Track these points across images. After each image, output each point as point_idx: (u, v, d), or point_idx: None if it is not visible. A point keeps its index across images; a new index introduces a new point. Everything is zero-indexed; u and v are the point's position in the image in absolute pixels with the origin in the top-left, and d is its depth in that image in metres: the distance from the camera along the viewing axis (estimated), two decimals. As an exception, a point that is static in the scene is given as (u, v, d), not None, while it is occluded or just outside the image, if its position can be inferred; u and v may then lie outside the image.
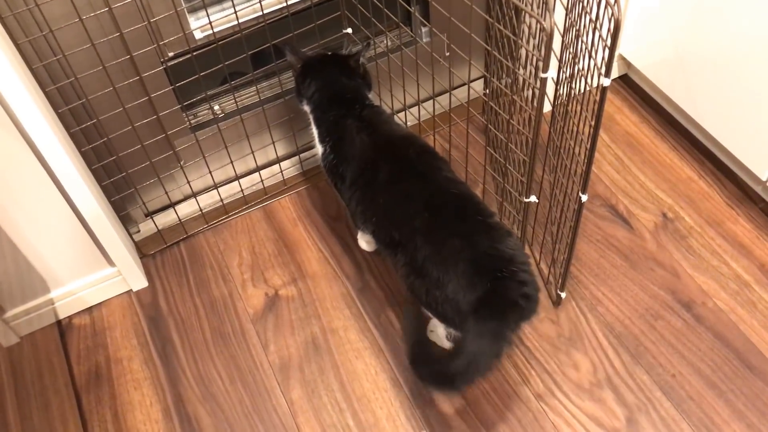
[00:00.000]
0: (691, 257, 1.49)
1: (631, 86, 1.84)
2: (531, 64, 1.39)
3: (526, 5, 1.34)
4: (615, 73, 1.85)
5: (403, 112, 1.69)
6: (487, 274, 1.13)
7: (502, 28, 1.17)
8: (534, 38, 1.39)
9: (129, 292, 1.56)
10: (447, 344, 1.36)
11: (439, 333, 1.37)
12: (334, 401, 1.35)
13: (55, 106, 1.30)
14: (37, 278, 1.43)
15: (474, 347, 1.11)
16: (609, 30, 0.94)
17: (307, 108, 1.43)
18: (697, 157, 1.67)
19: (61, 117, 1.32)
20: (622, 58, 1.80)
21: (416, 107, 1.67)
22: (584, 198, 1.17)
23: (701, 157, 1.67)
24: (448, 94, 1.40)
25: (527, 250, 1.45)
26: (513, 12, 1.35)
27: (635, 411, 1.29)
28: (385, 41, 1.62)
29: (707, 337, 1.37)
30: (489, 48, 1.21)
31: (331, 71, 1.40)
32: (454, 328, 1.23)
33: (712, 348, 1.36)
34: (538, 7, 1.29)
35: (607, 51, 0.97)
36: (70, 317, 1.53)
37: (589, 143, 1.09)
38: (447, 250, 1.16)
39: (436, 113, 1.63)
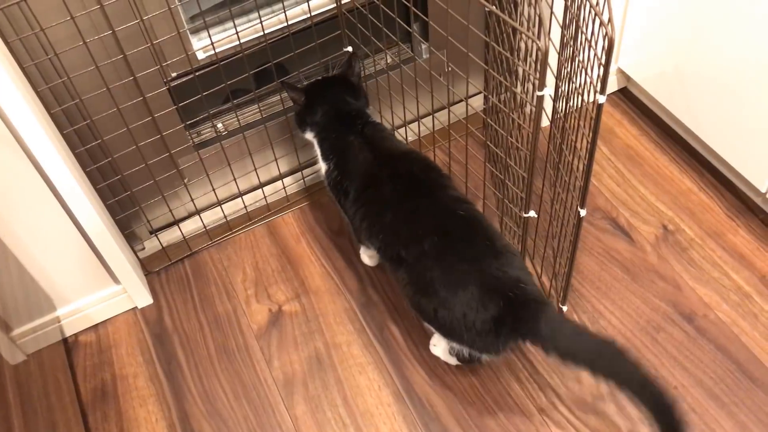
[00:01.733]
0: (692, 269, 1.50)
1: (631, 99, 1.85)
2: (528, 81, 1.41)
3: (522, 24, 1.36)
4: (614, 86, 1.87)
5: (404, 128, 1.70)
6: (497, 296, 1.14)
7: (499, 47, 1.18)
8: (530, 56, 1.40)
9: (134, 309, 1.57)
10: (451, 359, 1.37)
11: (442, 347, 1.37)
12: (338, 417, 1.35)
13: (60, 127, 1.32)
14: (43, 296, 1.45)
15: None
16: (603, 48, 0.95)
17: (311, 134, 1.45)
18: (697, 169, 1.68)
19: (66, 137, 1.34)
20: (621, 72, 1.82)
21: (416, 123, 1.69)
22: (583, 213, 1.18)
23: (701, 169, 1.68)
24: (446, 110, 1.41)
25: (528, 264, 1.46)
26: (510, 30, 1.37)
27: (638, 423, 1.29)
28: (384, 59, 1.64)
29: (709, 349, 1.37)
30: (486, 67, 1.22)
31: (334, 92, 1.44)
32: (459, 344, 1.23)
33: (714, 360, 1.36)
34: (534, 26, 1.31)
35: (601, 69, 0.98)
36: (76, 335, 1.54)
37: (586, 159, 1.10)
38: (456, 273, 1.18)
39: (435, 129, 1.65)
